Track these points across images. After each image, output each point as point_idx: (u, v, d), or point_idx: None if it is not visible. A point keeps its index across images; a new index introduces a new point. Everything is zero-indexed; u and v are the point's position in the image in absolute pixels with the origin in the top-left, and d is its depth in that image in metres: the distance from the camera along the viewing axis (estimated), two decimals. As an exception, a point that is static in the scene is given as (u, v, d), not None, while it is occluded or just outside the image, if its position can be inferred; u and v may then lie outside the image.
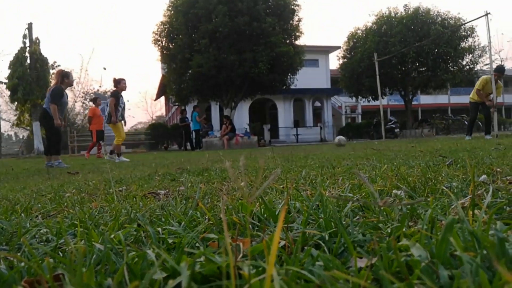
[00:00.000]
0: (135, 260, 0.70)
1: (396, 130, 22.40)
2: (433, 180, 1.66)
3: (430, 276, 0.58)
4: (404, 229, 0.82)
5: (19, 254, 0.84)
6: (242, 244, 0.73)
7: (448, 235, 0.63)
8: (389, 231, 0.85)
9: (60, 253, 0.83)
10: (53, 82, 8.34)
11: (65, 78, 7.38)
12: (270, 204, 1.08)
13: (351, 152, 5.41)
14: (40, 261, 0.73)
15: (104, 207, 1.42)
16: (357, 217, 1.00)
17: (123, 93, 9.20)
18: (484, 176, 1.65)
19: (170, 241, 0.86)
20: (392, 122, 22.85)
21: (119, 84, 9.01)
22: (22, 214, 1.47)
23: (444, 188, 1.31)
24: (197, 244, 0.82)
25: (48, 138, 7.62)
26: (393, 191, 1.40)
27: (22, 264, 0.75)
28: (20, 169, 7.17)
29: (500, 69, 10.04)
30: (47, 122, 7.35)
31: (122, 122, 9.12)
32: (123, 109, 9.14)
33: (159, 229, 0.94)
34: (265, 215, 1.04)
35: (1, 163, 12.69)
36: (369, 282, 0.58)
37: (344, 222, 0.90)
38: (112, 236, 0.87)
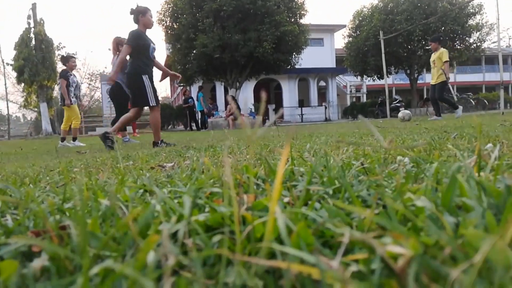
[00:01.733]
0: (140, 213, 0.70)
1: (401, 109, 22.24)
2: (438, 149, 1.65)
3: (435, 222, 0.58)
4: (408, 186, 0.82)
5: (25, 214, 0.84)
6: (246, 198, 0.74)
7: (454, 182, 0.62)
8: (393, 188, 0.84)
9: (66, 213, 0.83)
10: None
11: (119, 45, 6.99)
12: (274, 167, 1.08)
13: (355, 130, 5.38)
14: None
15: (111, 178, 1.43)
16: (361, 177, 1.00)
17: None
18: (490, 145, 1.63)
19: (175, 201, 0.87)
20: (397, 101, 22.66)
21: (68, 62, 8.36)
22: (30, 185, 1.49)
23: (449, 146, 1.30)
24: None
25: (117, 113, 7.28)
26: (398, 157, 1.39)
27: (28, 212, 0.76)
28: (29, 149, 7.22)
29: (433, 38, 9.48)
30: (114, 97, 7.13)
31: (77, 102, 8.53)
32: (76, 88, 8.48)
33: (165, 190, 0.95)
34: (270, 179, 1.04)
35: (11, 144, 12.76)
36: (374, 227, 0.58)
37: (348, 181, 0.90)
38: (118, 195, 0.88)
